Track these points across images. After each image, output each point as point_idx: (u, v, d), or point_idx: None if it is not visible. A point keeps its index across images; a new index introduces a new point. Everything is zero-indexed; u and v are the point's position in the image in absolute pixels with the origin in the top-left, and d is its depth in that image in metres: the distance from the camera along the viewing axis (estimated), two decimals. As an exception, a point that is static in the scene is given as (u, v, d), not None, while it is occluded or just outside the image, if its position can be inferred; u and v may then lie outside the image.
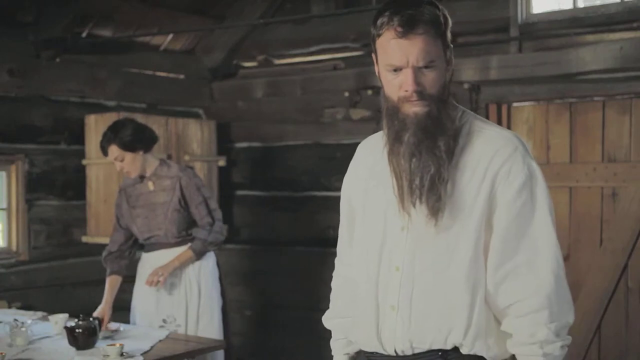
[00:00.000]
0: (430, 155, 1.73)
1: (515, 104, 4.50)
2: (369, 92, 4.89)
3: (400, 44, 1.69)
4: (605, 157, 4.23)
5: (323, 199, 5.10)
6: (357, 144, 2.07)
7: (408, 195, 1.75)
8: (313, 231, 5.14)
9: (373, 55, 1.82)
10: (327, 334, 2.17)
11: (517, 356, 1.76)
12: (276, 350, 5.34)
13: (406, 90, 1.71)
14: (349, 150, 2.08)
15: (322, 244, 5.03)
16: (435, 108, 1.73)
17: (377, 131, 1.99)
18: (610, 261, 4.12)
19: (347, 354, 2.06)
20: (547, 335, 1.70)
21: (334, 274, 2.13)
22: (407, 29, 1.68)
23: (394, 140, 1.76)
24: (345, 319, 2.02)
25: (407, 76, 1.70)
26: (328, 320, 2.09)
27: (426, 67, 1.70)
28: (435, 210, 1.72)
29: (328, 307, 2.14)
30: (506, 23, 4.41)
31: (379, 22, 1.73)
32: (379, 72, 1.81)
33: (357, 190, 1.96)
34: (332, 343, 2.09)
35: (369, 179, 1.90)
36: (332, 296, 2.11)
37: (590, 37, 4.20)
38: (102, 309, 3.55)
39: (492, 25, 4.47)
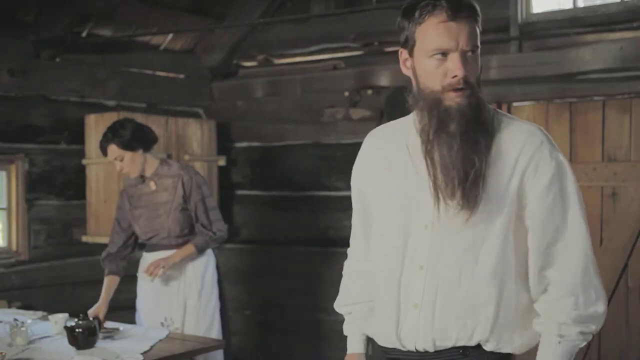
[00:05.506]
0: (473, 147, 1.72)
1: (515, 104, 4.50)
2: (369, 92, 4.89)
3: (449, 26, 1.70)
4: (605, 156, 4.23)
5: (323, 199, 5.10)
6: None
7: (446, 188, 1.74)
8: (313, 231, 5.13)
9: (403, 51, 1.81)
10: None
11: (541, 334, 1.82)
12: (276, 350, 5.34)
13: (454, 76, 1.71)
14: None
15: (322, 244, 5.03)
16: (475, 99, 1.74)
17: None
18: (610, 261, 4.12)
19: (364, 333, 2.05)
20: (566, 320, 1.76)
21: (346, 264, 2.12)
22: (456, 11, 1.70)
23: (438, 130, 1.74)
24: (361, 304, 2.04)
25: (455, 61, 1.71)
26: (342, 306, 2.09)
27: (472, 51, 1.73)
28: (472, 205, 1.72)
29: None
30: (506, 23, 4.41)
31: (419, 10, 1.73)
32: (412, 65, 1.79)
33: (367, 181, 1.95)
34: (347, 325, 2.09)
35: (383, 171, 1.88)
36: (344, 284, 2.11)
37: (590, 37, 4.20)
38: (98, 307, 3.56)
39: (492, 25, 4.46)
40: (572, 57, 4.09)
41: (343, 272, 2.13)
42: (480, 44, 1.77)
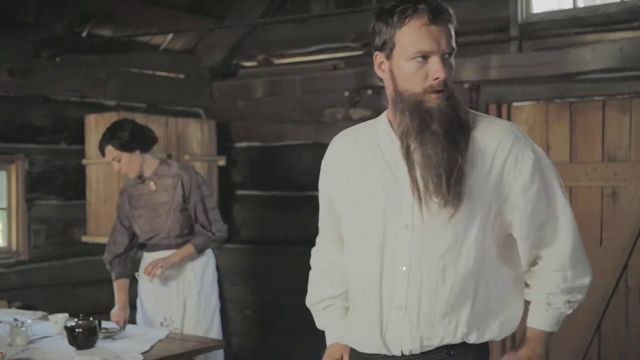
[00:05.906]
0: (455, 146, 1.75)
1: (515, 104, 4.50)
2: (369, 91, 4.89)
3: (431, 30, 1.74)
4: (606, 156, 4.23)
5: (323, 198, 5.09)
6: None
7: (431, 186, 1.74)
8: (313, 231, 5.10)
9: (379, 54, 1.83)
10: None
11: (531, 302, 1.93)
12: (276, 350, 5.34)
13: (436, 78, 1.74)
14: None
15: (322, 243, 5.02)
16: (453, 100, 1.77)
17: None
18: (610, 261, 4.12)
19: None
20: (554, 290, 1.87)
21: (315, 260, 2.16)
22: (437, 15, 1.74)
23: (421, 130, 1.76)
24: (339, 296, 2.06)
25: (436, 64, 1.74)
26: (318, 302, 2.13)
27: (450, 53, 1.77)
28: (457, 202, 1.74)
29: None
30: (506, 23, 4.41)
31: (398, 14, 1.76)
32: (390, 68, 1.81)
33: (339, 186, 1.94)
34: (325, 317, 2.11)
35: (357, 174, 1.88)
36: (317, 280, 2.15)
37: (590, 37, 4.20)
38: (120, 312, 3.56)
39: (492, 25, 4.47)
40: (572, 57, 4.09)
41: (312, 270, 2.16)
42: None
